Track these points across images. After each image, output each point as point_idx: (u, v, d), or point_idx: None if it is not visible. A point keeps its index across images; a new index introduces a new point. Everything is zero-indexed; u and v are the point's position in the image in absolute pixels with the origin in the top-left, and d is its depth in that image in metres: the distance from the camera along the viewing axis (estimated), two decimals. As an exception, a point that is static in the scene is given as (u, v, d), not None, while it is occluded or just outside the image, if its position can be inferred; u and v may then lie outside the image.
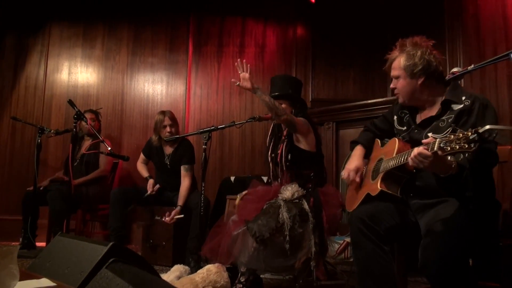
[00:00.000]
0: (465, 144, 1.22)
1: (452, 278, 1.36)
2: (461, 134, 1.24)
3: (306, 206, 2.33)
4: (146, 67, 4.56)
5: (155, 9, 4.61)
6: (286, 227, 2.22)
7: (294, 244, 2.24)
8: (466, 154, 1.25)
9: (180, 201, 3.22)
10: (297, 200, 2.35)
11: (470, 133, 1.21)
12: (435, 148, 1.32)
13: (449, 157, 1.33)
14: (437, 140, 1.32)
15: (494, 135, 1.20)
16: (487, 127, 1.20)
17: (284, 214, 2.25)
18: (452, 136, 1.26)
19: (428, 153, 1.37)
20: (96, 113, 3.98)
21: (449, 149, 1.26)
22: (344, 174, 1.93)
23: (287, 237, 2.20)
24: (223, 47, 4.63)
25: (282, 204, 2.30)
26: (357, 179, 1.88)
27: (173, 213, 3.13)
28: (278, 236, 2.22)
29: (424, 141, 1.42)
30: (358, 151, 2.00)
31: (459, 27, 3.51)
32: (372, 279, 1.59)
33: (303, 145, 2.52)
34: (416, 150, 1.43)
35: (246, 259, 2.23)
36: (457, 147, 1.24)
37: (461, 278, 1.37)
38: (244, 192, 2.64)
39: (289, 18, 4.71)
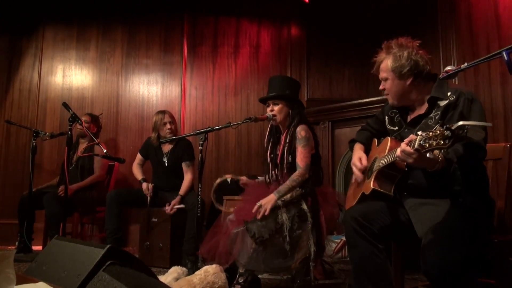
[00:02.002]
0: (441, 141, 1.27)
1: (455, 281, 1.36)
2: (438, 131, 1.28)
3: (304, 206, 2.34)
4: (140, 69, 4.55)
5: (149, 10, 4.59)
6: (285, 228, 2.22)
7: (293, 245, 2.24)
8: (442, 150, 1.31)
9: (182, 191, 3.33)
10: (295, 200, 2.35)
11: (444, 130, 1.26)
12: (416, 145, 1.36)
13: (427, 154, 1.38)
14: (418, 137, 1.36)
15: (466, 130, 1.24)
16: (460, 123, 1.26)
17: (283, 215, 2.25)
18: (431, 133, 1.30)
19: (411, 150, 1.40)
20: (93, 116, 3.93)
21: (427, 146, 1.31)
22: (353, 169, 1.91)
23: (287, 237, 2.20)
24: (218, 48, 4.62)
25: (280, 205, 2.31)
26: (364, 162, 1.87)
27: (172, 202, 3.25)
28: (278, 237, 2.22)
29: (406, 139, 1.45)
30: (358, 146, 2.02)
31: (452, 26, 3.54)
32: (368, 278, 1.60)
33: None
34: (400, 147, 1.47)
35: (245, 260, 2.22)
36: (434, 143, 1.28)
37: (463, 280, 1.37)
38: (227, 176, 2.65)
39: (283, 18, 4.71)
